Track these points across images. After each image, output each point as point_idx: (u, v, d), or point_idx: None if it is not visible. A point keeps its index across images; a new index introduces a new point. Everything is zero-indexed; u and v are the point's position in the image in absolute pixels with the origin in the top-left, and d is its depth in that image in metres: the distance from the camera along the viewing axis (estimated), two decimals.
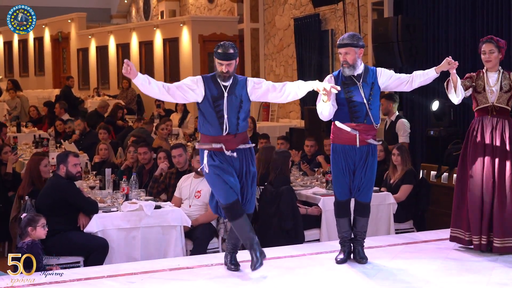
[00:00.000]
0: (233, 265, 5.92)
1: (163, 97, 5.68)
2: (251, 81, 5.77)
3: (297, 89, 5.75)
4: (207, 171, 5.69)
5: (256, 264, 5.63)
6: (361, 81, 5.93)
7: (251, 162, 5.78)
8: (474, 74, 6.38)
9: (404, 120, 9.90)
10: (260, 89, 5.76)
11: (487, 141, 6.28)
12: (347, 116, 5.91)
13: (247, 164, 5.74)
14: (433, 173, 9.56)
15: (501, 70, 6.34)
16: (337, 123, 5.93)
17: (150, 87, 5.57)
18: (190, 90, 5.66)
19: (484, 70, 6.37)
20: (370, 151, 5.96)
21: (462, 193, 6.45)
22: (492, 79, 6.30)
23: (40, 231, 6.10)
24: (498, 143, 6.25)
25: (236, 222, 5.68)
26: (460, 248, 6.50)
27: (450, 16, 11.02)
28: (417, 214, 8.25)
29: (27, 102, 17.63)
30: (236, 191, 5.63)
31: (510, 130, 6.30)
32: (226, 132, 5.63)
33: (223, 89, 5.65)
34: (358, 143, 5.89)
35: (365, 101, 5.89)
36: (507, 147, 6.26)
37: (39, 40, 22.78)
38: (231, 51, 5.63)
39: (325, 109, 5.86)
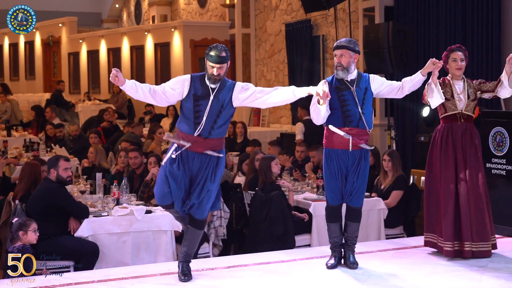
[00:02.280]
0: (184, 274, 5.78)
1: (150, 101, 5.76)
2: (238, 86, 5.70)
3: (290, 95, 5.68)
4: (162, 164, 5.74)
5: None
6: (354, 86, 5.95)
7: (214, 171, 5.64)
8: (440, 81, 6.39)
9: (300, 123, 11.82)
10: (245, 94, 5.68)
11: (459, 147, 6.36)
12: (341, 121, 5.93)
13: (207, 172, 5.62)
14: (423, 178, 9.58)
15: (465, 79, 6.43)
16: (331, 127, 5.95)
17: (137, 94, 5.64)
18: (173, 91, 5.63)
19: (449, 78, 6.43)
20: (363, 156, 5.98)
21: (431, 199, 6.49)
22: (459, 87, 6.39)
23: (31, 236, 6.09)
24: (468, 150, 6.34)
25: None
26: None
27: (441, 23, 11.09)
28: (408, 220, 8.28)
29: (18, 106, 17.59)
30: (174, 197, 5.66)
31: (477, 136, 6.42)
32: (198, 133, 5.58)
33: (210, 90, 5.61)
34: (350, 147, 5.91)
35: (358, 106, 5.91)
36: (478, 154, 6.36)
37: (29, 44, 22.74)
38: (224, 54, 5.57)
39: (320, 112, 5.84)
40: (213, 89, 5.61)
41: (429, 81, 6.23)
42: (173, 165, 5.63)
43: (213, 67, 5.57)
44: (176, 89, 5.65)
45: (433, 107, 6.39)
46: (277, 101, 5.76)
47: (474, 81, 6.44)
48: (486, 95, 6.44)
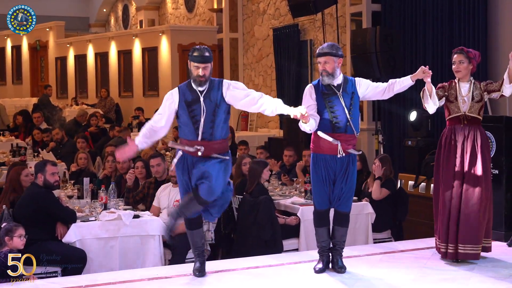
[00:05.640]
0: (198, 271, 5.92)
1: (161, 137, 5.98)
2: (226, 83, 5.72)
3: (273, 108, 5.67)
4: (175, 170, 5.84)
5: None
6: (341, 90, 5.95)
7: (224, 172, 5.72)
8: (446, 84, 6.48)
9: None
10: (236, 93, 5.69)
11: (459, 149, 6.37)
12: (329, 126, 5.92)
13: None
14: (410, 183, 9.63)
15: (473, 81, 6.43)
16: (319, 133, 5.94)
17: (151, 142, 5.87)
18: (167, 112, 5.72)
19: (456, 80, 6.45)
20: (350, 161, 5.98)
21: (437, 203, 6.53)
22: (464, 89, 6.39)
23: (17, 242, 6.04)
24: (469, 152, 6.33)
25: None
26: (437, 257, 6.54)
27: (428, 27, 11.14)
28: (395, 224, 8.29)
29: (4, 111, 17.52)
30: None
31: (482, 139, 6.38)
32: (201, 138, 5.63)
33: (199, 94, 5.65)
34: (340, 153, 5.89)
35: (346, 111, 5.91)
36: (479, 156, 6.33)
37: (16, 49, 22.64)
38: (207, 54, 5.63)
39: (305, 127, 5.84)
40: (201, 92, 5.65)
41: (424, 88, 6.24)
42: (178, 172, 5.76)
43: (198, 67, 5.60)
44: (163, 112, 5.73)
45: (430, 113, 6.41)
46: (262, 112, 5.78)
47: (482, 83, 6.44)
48: (494, 95, 6.41)
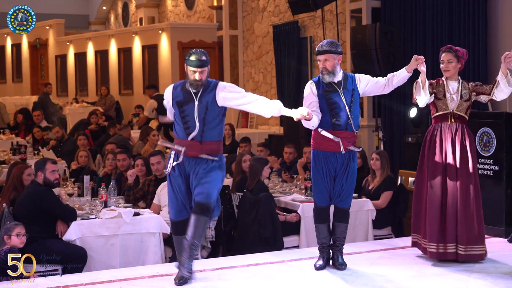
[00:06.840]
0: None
1: None
2: (221, 85, 5.66)
3: (271, 111, 5.64)
4: (168, 176, 5.81)
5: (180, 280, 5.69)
6: (341, 87, 5.95)
7: (209, 170, 5.64)
8: (434, 81, 6.37)
9: (153, 101, 15.13)
10: (229, 95, 5.62)
11: (448, 147, 6.26)
12: (329, 123, 5.92)
13: (202, 170, 5.63)
14: (411, 179, 9.62)
15: (460, 80, 6.35)
16: (321, 130, 5.94)
17: None
18: (168, 108, 5.83)
19: (443, 79, 6.37)
20: (351, 158, 5.99)
21: (419, 200, 6.42)
22: (453, 87, 6.31)
23: (15, 240, 6.03)
24: (458, 150, 6.24)
25: (178, 238, 5.76)
26: None
27: (428, 24, 11.14)
28: (396, 221, 8.29)
29: (5, 109, 17.51)
30: (188, 208, 5.69)
31: (470, 138, 6.30)
32: (191, 138, 5.62)
33: (193, 95, 5.61)
34: (342, 150, 5.90)
35: (346, 108, 5.91)
36: (469, 154, 6.24)
37: (16, 47, 22.63)
38: (204, 58, 5.57)
39: (309, 124, 5.88)
40: (195, 93, 5.61)
41: (417, 80, 6.21)
42: (175, 175, 5.72)
43: (194, 72, 5.56)
44: (168, 101, 5.80)
45: (421, 106, 6.33)
46: (261, 112, 5.71)
47: (470, 83, 6.37)
48: (482, 98, 6.32)
